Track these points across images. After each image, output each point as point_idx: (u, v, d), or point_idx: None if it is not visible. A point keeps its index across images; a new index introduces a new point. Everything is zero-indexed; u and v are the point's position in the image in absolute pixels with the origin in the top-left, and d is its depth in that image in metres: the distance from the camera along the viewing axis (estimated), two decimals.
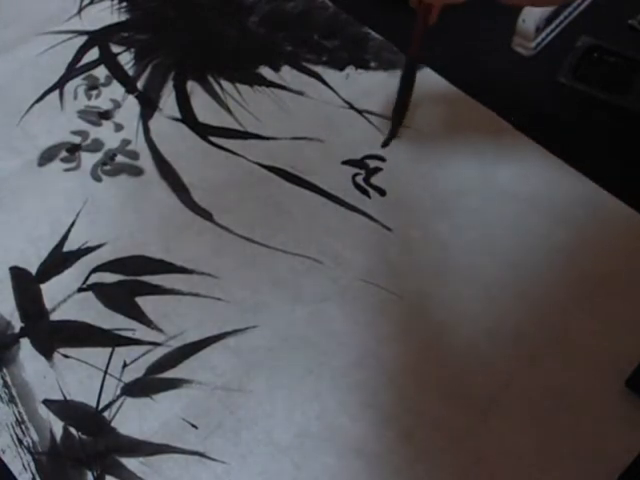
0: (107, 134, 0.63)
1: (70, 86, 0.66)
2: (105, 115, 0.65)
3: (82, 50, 0.69)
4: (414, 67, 0.60)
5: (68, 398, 0.50)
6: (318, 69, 0.67)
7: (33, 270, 0.56)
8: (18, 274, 0.56)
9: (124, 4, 0.73)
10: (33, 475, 0.48)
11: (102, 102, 0.65)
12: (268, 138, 0.63)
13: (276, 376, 0.51)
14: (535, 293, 0.54)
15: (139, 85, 0.66)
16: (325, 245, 0.57)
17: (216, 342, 0.52)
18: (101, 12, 0.72)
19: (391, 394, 0.50)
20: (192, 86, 0.66)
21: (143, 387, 0.51)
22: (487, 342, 0.52)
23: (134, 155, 0.62)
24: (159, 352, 0.52)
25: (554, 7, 0.65)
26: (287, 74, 0.67)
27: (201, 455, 0.48)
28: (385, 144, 0.62)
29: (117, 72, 0.67)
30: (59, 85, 0.66)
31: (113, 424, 0.49)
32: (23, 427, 0.49)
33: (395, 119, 0.62)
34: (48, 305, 0.54)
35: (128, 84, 0.66)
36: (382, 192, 0.59)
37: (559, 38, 0.68)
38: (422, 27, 0.56)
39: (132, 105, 0.65)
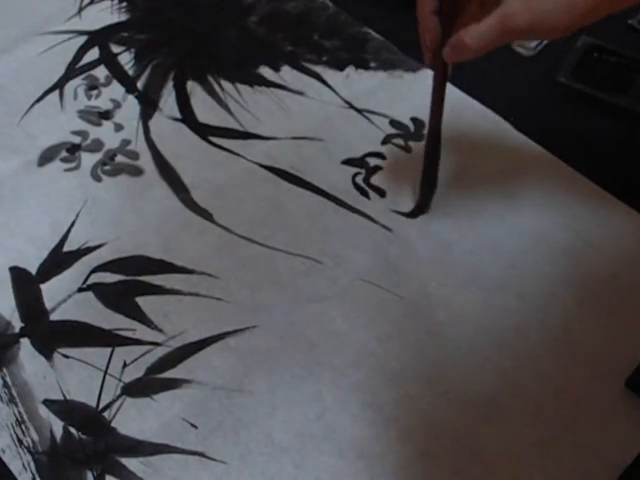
0: (107, 134, 0.63)
1: (70, 86, 0.66)
2: (105, 115, 0.65)
3: (82, 50, 0.69)
4: (439, 138, 0.54)
5: (68, 398, 0.50)
6: (318, 69, 0.67)
7: (33, 270, 0.56)
8: (18, 274, 0.56)
9: (124, 4, 0.73)
10: (33, 475, 0.47)
11: (102, 102, 0.65)
12: (268, 138, 0.63)
13: (276, 376, 0.51)
14: (535, 293, 0.54)
15: (139, 85, 0.66)
16: (325, 245, 0.57)
17: (216, 342, 0.52)
18: (101, 12, 0.72)
19: (391, 394, 0.50)
20: (192, 86, 0.66)
21: (143, 387, 0.51)
22: (487, 342, 0.52)
23: (134, 155, 0.62)
24: (159, 352, 0.52)
25: None
26: (287, 74, 0.67)
27: (201, 455, 0.48)
28: (414, 214, 0.58)
29: (117, 72, 0.67)
30: (59, 85, 0.66)
31: (113, 424, 0.49)
32: (23, 427, 0.49)
33: (425, 191, 0.57)
34: (48, 305, 0.54)
35: (128, 84, 0.66)
36: (382, 193, 0.59)
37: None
38: (443, 86, 0.50)
39: (132, 105, 0.65)
